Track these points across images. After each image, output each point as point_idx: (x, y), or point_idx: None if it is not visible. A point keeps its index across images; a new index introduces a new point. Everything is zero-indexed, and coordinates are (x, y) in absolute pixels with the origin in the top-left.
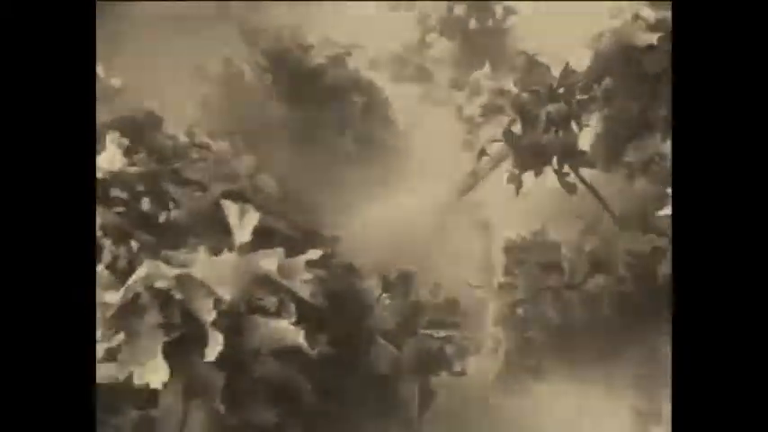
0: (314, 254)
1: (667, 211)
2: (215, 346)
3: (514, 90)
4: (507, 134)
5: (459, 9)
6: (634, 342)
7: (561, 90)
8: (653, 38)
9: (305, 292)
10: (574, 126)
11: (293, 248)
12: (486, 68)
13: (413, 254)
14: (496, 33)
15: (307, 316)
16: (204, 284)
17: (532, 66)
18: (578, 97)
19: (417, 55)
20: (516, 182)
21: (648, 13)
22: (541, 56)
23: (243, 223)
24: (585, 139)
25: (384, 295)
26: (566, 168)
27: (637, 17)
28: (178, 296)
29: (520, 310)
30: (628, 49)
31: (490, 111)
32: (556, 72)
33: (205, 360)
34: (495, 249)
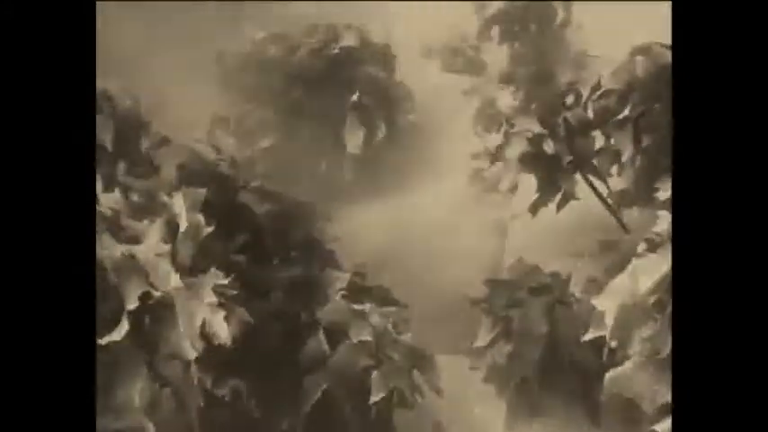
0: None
1: None
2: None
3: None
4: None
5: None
6: None
7: (571, 99)
8: None
9: (217, 325)
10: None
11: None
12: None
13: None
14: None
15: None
16: (143, 269)
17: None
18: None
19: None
20: (534, 209)
21: None
22: None
23: (185, 209)
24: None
25: (342, 292)
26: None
27: None
28: (113, 280)
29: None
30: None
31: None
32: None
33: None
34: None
